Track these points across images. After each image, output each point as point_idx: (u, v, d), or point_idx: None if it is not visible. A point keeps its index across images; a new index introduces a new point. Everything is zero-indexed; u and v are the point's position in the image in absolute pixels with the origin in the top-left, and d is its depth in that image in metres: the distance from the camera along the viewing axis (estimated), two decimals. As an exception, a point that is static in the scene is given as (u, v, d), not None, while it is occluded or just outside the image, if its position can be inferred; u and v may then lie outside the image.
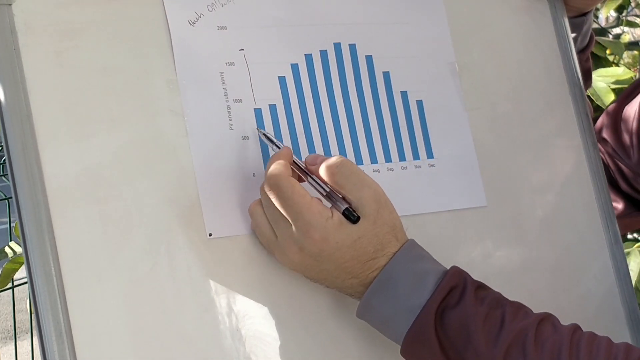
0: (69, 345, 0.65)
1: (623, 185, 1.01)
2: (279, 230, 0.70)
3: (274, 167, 0.70)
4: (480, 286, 0.72)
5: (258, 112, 0.77)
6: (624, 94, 1.02)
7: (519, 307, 0.71)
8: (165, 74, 0.74)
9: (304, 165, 0.72)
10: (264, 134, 0.75)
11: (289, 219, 0.69)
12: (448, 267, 0.72)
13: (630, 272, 0.94)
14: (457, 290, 0.70)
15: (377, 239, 0.70)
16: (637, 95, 0.99)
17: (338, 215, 0.69)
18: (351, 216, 0.69)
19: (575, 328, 0.70)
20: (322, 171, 0.71)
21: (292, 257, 0.70)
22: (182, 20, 0.75)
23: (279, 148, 0.73)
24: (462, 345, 0.68)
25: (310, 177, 0.72)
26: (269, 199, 0.70)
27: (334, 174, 0.70)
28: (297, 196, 0.68)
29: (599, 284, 0.90)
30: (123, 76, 0.72)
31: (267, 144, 0.75)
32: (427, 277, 0.70)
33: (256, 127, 0.76)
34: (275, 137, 0.75)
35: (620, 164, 1.01)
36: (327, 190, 0.71)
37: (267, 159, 0.76)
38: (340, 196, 0.70)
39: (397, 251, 0.71)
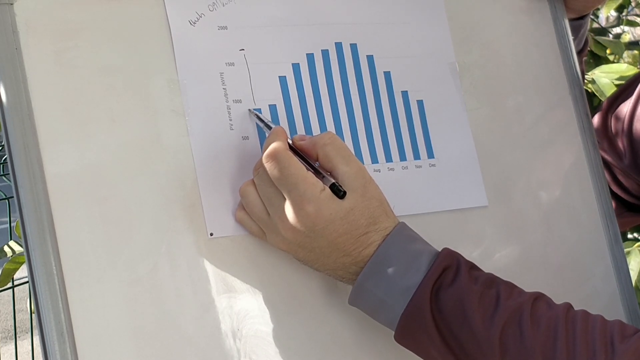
0: (70, 344, 0.65)
1: (614, 186, 1.02)
2: (272, 208, 0.70)
3: (271, 141, 0.70)
4: (473, 267, 0.72)
5: (258, 112, 0.77)
6: (615, 95, 1.02)
7: (512, 287, 0.71)
8: (166, 73, 0.74)
9: (291, 142, 0.73)
10: (256, 114, 0.75)
11: (283, 191, 0.69)
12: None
13: (630, 272, 0.94)
14: (451, 270, 0.70)
15: (368, 212, 0.70)
16: (628, 95, 0.98)
17: (329, 190, 0.70)
18: (337, 191, 0.69)
19: (569, 306, 0.70)
20: (312, 144, 0.71)
21: (285, 234, 0.70)
22: (183, 20, 0.75)
23: (270, 128, 0.73)
24: (457, 324, 0.68)
25: (299, 154, 0.72)
26: (264, 175, 0.70)
27: (325, 145, 0.71)
28: (294, 168, 0.69)
29: (599, 284, 0.90)
30: (124, 76, 0.72)
31: (259, 124, 0.75)
32: (421, 258, 0.70)
33: (248, 109, 0.76)
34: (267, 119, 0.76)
35: (611, 165, 1.01)
36: (316, 167, 0.71)
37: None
38: (328, 173, 0.71)
39: (389, 233, 0.71)
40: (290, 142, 0.72)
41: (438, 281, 0.69)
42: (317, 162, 0.72)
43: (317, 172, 0.71)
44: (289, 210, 0.69)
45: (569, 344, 0.66)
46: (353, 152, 0.72)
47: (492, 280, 0.71)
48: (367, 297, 0.71)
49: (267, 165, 0.69)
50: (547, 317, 0.68)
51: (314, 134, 0.79)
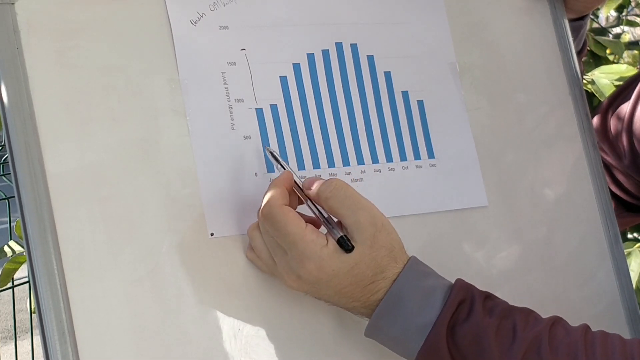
0: (71, 344, 0.65)
1: (613, 187, 1.02)
2: (276, 257, 0.70)
3: (270, 195, 0.69)
4: (488, 297, 0.71)
5: (259, 112, 0.77)
6: (614, 95, 1.02)
7: (528, 314, 0.70)
8: (167, 73, 0.74)
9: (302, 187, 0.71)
10: (270, 152, 0.74)
11: (284, 247, 0.68)
12: (451, 277, 0.72)
13: (631, 272, 0.94)
14: (466, 304, 0.69)
15: (375, 263, 0.69)
16: (627, 95, 0.98)
17: (334, 242, 0.68)
18: (345, 245, 0.68)
19: (587, 328, 0.70)
20: (316, 196, 0.69)
21: (291, 284, 0.70)
22: (184, 20, 0.75)
23: (284, 169, 0.72)
24: (476, 359, 0.67)
25: (310, 201, 0.70)
26: (264, 225, 0.69)
27: (328, 198, 0.69)
28: (291, 226, 0.67)
29: (599, 284, 0.90)
30: (125, 75, 0.72)
31: (273, 163, 0.74)
32: (434, 294, 0.69)
33: (263, 146, 0.76)
34: (282, 158, 0.74)
35: (610, 165, 1.01)
36: (325, 216, 0.69)
37: (268, 159, 0.76)
38: (336, 220, 0.69)
39: (400, 271, 0.70)
40: (300, 183, 0.71)
41: (454, 317, 0.68)
42: (326, 211, 0.70)
43: (326, 222, 0.69)
44: (291, 264, 0.68)
45: None
46: (362, 197, 0.69)
47: (508, 310, 0.70)
48: (382, 334, 0.71)
49: (264, 223, 0.68)
50: (566, 344, 0.67)
51: (315, 134, 0.79)
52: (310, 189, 0.70)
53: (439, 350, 0.68)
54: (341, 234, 0.68)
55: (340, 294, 0.70)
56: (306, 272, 0.68)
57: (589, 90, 1.50)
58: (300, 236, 0.67)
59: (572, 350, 0.67)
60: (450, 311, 0.68)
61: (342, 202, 0.68)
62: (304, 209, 0.71)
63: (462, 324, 0.68)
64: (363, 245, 0.68)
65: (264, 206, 0.68)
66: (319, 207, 0.70)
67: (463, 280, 0.71)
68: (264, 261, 0.71)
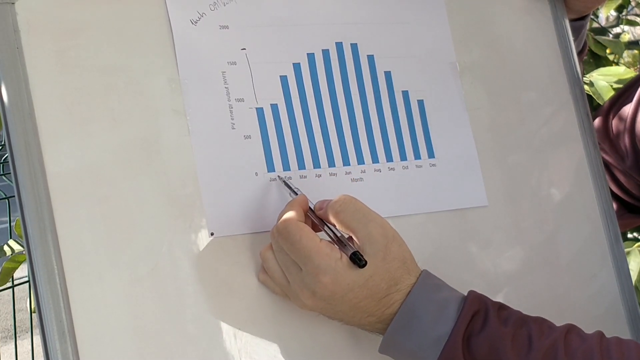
0: (71, 343, 0.65)
1: (615, 188, 1.02)
2: (290, 276, 0.70)
3: (285, 213, 0.70)
4: (501, 307, 0.71)
5: (260, 112, 0.77)
6: (615, 97, 1.02)
7: (542, 323, 0.70)
8: (167, 73, 0.74)
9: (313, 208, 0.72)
10: (283, 180, 0.75)
11: (298, 263, 0.68)
12: (452, 276, 0.72)
13: (630, 272, 0.94)
14: (480, 315, 0.69)
15: (389, 275, 0.69)
16: (629, 96, 0.98)
17: (347, 258, 0.68)
18: (357, 261, 0.68)
19: (602, 335, 0.70)
20: (328, 213, 0.70)
21: (306, 302, 0.70)
22: (184, 20, 0.75)
23: (296, 194, 0.73)
24: None
25: (324, 223, 0.71)
26: (277, 244, 0.70)
27: (338, 213, 0.70)
28: (306, 240, 0.68)
29: (599, 284, 0.90)
30: (125, 75, 0.72)
31: (286, 190, 0.75)
32: (449, 306, 0.69)
33: (277, 176, 0.76)
34: (294, 186, 0.75)
35: (612, 166, 1.01)
36: (338, 235, 0.70)
37: (269, 159, 0.76)
38: (347, 237, 0.70)
39: (413, 284, 0.70)
40: (312, 207, 0.72)
41: (468, 328, 0.68)
42: (339, 230, 0.70)
43: (339, 240, 0.69)
44: (306, 280, 0.68)
45: None
46: (372, 210, 0.70)
47: (522, 320, 0.70)
48: (397, 349, 0.70)
49: (279, 239, 0.69)
50: (582, 351, 0.67)
51: (315, 134, 0.78)
52: (321, 209, 0.71)
53: None
54: (354, 249, 0.68)
55: (356, 308, 0.69)
56: (322, 287, 0.68)
57: (587, 92, 1.50)
58: (315, 250, 0.67)
59: (587, 357, 0.67)
60: (465, 322, 0.68)
61: (352, 215, 0.69)
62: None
63: (478, 334, 0.68)
64: (376, 257, 0.69)
65: (280, 223, 0.69)
66: (330, 226, 0.70)
67: (476, 292, 0.71)
68: (277, 281, 0.71)
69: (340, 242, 0.69)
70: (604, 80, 1.51)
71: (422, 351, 0.69)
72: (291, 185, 0.75)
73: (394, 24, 0.85)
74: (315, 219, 0.72)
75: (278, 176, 0.76)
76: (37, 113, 0.68)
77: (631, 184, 1.00)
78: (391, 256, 0.69)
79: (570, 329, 0.70)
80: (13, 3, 0.69)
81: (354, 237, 0.70)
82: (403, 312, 0.69)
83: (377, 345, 0.71)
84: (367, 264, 0.68)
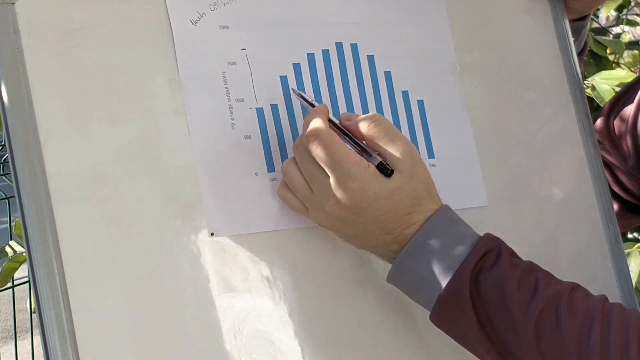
0: (71, 343, 0.65)
1: (616, 187, 1.02)
2: (315, 185, 0.70)
3: (313, 120, 0.70)
4: (513, 254, 0.72)
5: (260, 112, 0.77)
6: (616, 97, 1.02)
7: (551, 276, 0.72)
8: (167, 73, 0.74)
9: (338, 122, 0.73)
10: (300, 94, 0.76)
11: (327, 169, 0.69)
12: None
13: (630, 272, 0.94)
14: (493, 254, 0.70)
15: (413, 193, 0.70)
16: (630, 97, 0.99)
17: (374, 167, 0.70)
18: (385, 169, 0.69)
19: (605, 298, 0.71)
20: (359, 126, 0.71)
21: (329, 210, 0.70)
22: (184, 20, 0.75)
23: (314, 106, 0.74)
24: (495, 307, 0.68)
25: (346, 133, 0.72)
26: (305, 153, 0.70)
27: (371, 128, 0.71)
28: (336, 146, 0.69)
29: (599, 285, 0.90)
30: (125, 75, 0.72)
31: (303, 103, 0.76)
32: (463, 240, 0.71)
33: (292, 89, 0.77)
34: (312, 98, 0.76)
35: (613, 167, 1.01)
36: (363, 145, 0.71)
37: (269, 159, 0.76)
38: (376, 152, 0.71)
39: (433, 213, 0.71)
40: (335, 119, 0.72)
41: (479, 264, 0.69)
42: (364, 142, 0.72)
43: (363, 151, 0.71)
44: (333, 187, 0.69)
45: (604, 334, 0.67)
46: (400, 132, 0.72)
47: (532, 268, 0.72)
48: (407, 275, 0.71)
49: (309, 144, 0.69)
50: (584, 307, 0.69)
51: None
52: (350, 121, 0.72)
53: (461, 293, 0.68)
54: (380, 159, 0.70)
55: (377, 222, 0.70)
56: (348, 194, 0.68)
57: (589, 96, 1.50)
58: (346, 156, 0.68)
59: (589, 314, 0.68)
60: (477, 257, 0.69)
61: (384, 133, 0.71)
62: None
63: (487, 272, 0.69)
64: (402, 173, 0.70)
65: (309, 130, 0.70)
66: (356, 138, 0.71)
67: (492, 234, 0.72)
68: (300, 192, 0.72)
69: (365, 152, 0.71)
70: (607, 84, 1.52)
71: (431, 278, 0.70)
72: (307, 98, 0.75)
73: (394, 24, 0.85)
74: (336, 128, 0.72)
75: (292, 89, 0.77)
76: (37, 113, 0.68)
77: (632, 184, 1.00)
78: (417, 176, 0.71)
79: (577, 287, 0.71)
80: (13, 3, 0.69)
81: (380, 153, 0.71)
82: (420, 234, 0.70)
83: (379, 344, 0.72)
84: (394, 176, 0.69)
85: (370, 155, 0.70)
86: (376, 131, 0.71)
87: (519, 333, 0.67)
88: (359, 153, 0.71)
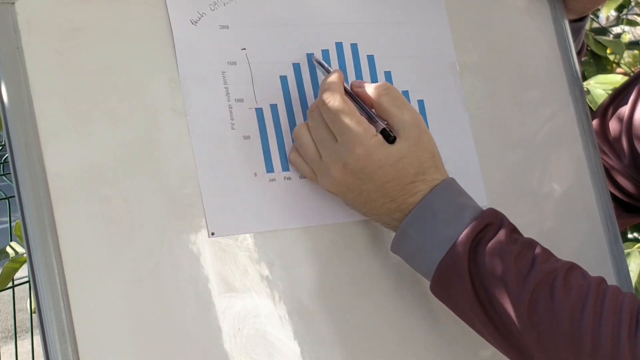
0: (71, 343, 0.65)
1: (612, 188, 1.02)
2: (324, 149, 0.72)
3: (330, 83, 0.72)
4: (515, 229, 0.73)
5: (259, 112, 0.77)
6: (611, 97, 1.02)
7: (550, 253, 0.72)
8: (167, 73, 0.74)
9: (350, 88, 0.74)
10: (317, 60, 0.78)
11: (336, 133, 0.71)
12: None
13: (630, 272, 0.94)
14: (494, 227, 0.71)
15: (418, 162, 0.71)
16: (625, 97, 0.98)
17: (381, 136, 0.71)
18: (387, 135, 0.71)
19: (602, 279, 0.71)
20: (369, 91, 0.73)
21: (335, 175, 0.72)
22: (184, 19, 0.75)
23: (329, 72, 0.75)
24: (492, 279, 0.69)
25: (356, 99, 0.74)
26: (318, 118, 0.72)
27: (380, 95, 0.72)
28: (349, 111, 0.71)
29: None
30: (125, 75, 0.72)
31: (319, 70, 0.78)
32: (465, 211, 0.72)
33: (313, 58, 0.79)
34: (328, 64, 0.78)
35: (609, 167, 1.01)
36: (370, 112, 0.73)
37: (268, 159, 0.76)
38: (384, 120, 0.72)
39: (438, 184, 0.72)
40: (346, 86, 0.74)
41: (479, 235, 0.70)
42: (373, 110, 0.73)
43: (371, 118, 0.72)
44: (340, 151, 0.71)
45: (597, 312, 0.68)
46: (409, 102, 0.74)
47: (531, 244, 0.72)
48: (408, 243, 0.72)
49: (323, 107, 0.71)
50: (579, 285, 0.69)
51: None
52: (360, 88, 0.74)
53: (459, 263, 0.69)
54: (384, 125, 0.72)
55: (382, 189, 0.71)
56: (355, 158, 0.70)
57: (584, 97, 1.50)
58: (356, 122, 0.70)
59: (583, 291, 0.69)
60: (477, 229, 0.70)
61: (393, 101, 0.73)
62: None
63: (486, 243, 0.70)
64: (408, 141, 0.71)
65: (325, 92, 0.72)
66: (362, 104, 0.73)
67: (495, 209, 0.73)
68: (310, 157, 0.73)
69: (372, 119, 0.72)
70: (601, 88, 1.52)
71: (430, 247, 0.71)
72: (324, 64, 0.77)
73: (394, 24, 0.85)
74: (348, 96, 0.73)
75: (307, 55, 0.79)
76: (37, 113, 0.68)
77: (629, 184, 1.00)
78: (422, 145, 0.72)
79: (575, 266, 0.72)
80: (13, 3, 0.69)
81: (388, 121, 0.72)
82: (423, 204, 0.71)
83: (380, 344, 0.72)
84: (399, 145, 0.71)
85: (376, 122, 0.72)
86: (386, 99, 0.72)
87: (514, 305, 0.68)
88: (368, 116, 0.72)
